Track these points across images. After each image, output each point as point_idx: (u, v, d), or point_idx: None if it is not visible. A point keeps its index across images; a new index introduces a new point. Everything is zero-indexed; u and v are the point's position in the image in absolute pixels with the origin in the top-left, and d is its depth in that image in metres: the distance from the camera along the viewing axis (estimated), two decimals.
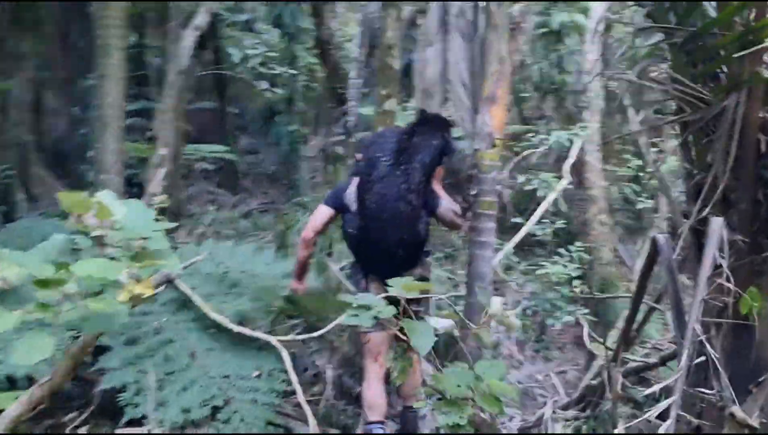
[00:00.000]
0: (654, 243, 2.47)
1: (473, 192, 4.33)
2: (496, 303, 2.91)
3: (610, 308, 6.14)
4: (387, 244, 3.37)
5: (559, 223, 6.08)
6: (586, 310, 5.35)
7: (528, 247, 7.01)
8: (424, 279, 3.49)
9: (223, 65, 11.78)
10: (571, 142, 6.40)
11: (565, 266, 5.26)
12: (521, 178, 7.05)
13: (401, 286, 2.66)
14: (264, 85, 8.04)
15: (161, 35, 8.83)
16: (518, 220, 6.60)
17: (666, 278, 2.43)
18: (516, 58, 6.70)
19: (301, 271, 3.89)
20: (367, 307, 2.52)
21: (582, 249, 5.62)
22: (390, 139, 3.49)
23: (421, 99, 4.72)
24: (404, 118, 5.22)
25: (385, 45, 4.87)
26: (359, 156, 3.77)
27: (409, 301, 2.55)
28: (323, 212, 3.61)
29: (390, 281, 2.70)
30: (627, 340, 3.47)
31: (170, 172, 6.51)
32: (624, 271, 7.76)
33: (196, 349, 3.69)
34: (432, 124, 3.61)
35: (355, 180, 3.59)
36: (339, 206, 3.59)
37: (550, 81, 7.28)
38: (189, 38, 6.48)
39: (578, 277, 5.35)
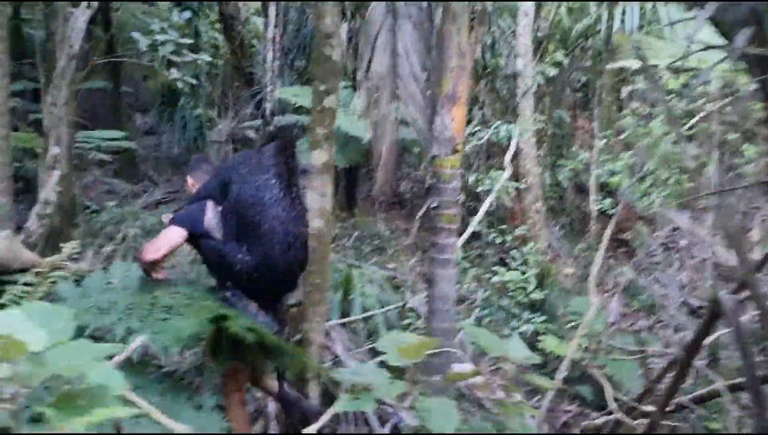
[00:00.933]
0: (717, 303, 2.07)
1: (433, 204, 3.84)
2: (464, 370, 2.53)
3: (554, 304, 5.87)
4: (292, 268, 3.39)
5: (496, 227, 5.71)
6: (543, 317, 5.03)
7: (473, 249, 6.64)
8: (300, 301, 3.68)
9: (116, 44, 10.65)
10: (511, 133, 6.03)
11: (522, 272, 4.90)
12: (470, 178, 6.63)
13: (398, 351, 2.15)
14: (174, 73, 7.13)
15: (43, 8, 7.74)
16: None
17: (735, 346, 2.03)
18: (477, 51, 6.25)
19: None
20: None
21: (533, 251, 5.28)
22: (265, 161, 3.47)
23: (365, 96, 4.14)
24: (348, 119, 4.70)
25: (322, 33, 4.24)
26: (191, 181, 3.76)
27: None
28: (178, 235, 3.35)
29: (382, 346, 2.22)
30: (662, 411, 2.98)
31: (65, 175, 5.62)
32: (559, 259, 7.57)
33: None
34: (289, 144, 3.72)
35: (210, 204, 3.45)
36: (196, 231, 3.38)
37: (483, 65, 6.86)
38: (81, 18, 5.56)
39: (537, 283, 5.01)
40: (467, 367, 2.41)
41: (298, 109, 9.49)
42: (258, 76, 11.44)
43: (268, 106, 7.43)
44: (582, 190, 9.58)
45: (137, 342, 2.60)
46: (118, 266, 3.72)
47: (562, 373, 4.96)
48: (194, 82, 7.52)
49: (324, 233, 4.49)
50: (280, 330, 3.30)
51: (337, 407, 2.12)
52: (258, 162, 3.47)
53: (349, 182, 8.97)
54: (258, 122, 9.37)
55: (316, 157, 4.41)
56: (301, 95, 8.86)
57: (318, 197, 4.44)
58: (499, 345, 2.47)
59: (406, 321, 4.90)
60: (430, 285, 3.87)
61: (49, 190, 5.41)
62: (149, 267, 3.43)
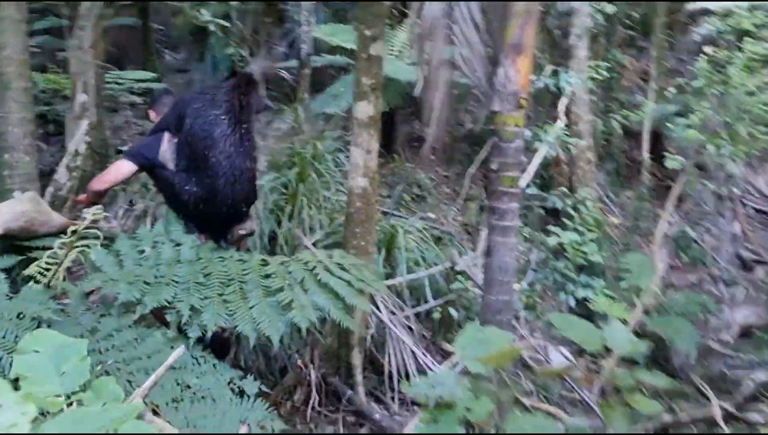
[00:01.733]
0: None
1: (493, 165, 3.44)
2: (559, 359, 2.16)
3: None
4: (236, 201, 3.41)
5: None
6: (602, 282, 4.67)
7: (526, 208, 6.23)
8: (251, 232, 3.70)
9: None
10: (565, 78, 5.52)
11: (580, 233, 4.51)
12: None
13: (481, 360, 1.83)
14: (206, 15, 6.70)
15: None
16: None
17: None
18: None
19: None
20: None
21: (592, 209, 4.86)
22: (220, 97, 3.46)
23: (418, 43, 3.70)
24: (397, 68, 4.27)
25: None
26: (153, 114, 3.85)
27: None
28: (126, 167, 3.50)
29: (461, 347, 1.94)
30: None
31: (95, 123, 5.30)
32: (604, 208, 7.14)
33: None
34: (245, 82, 3.62)
35: (166, 136, 3.55)
36: (148, 164, 3.52)
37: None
38: None
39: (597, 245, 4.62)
40: (563, 361, 2.06)
41: (334, 50, 9.02)
42: (290, 13, 10.90)
43: (303, 47, 6.96)
44: (629, 133, 9.03)
45: None
46: (145, 233, 3.41)
47: None
48: (223, 23, 7.06)
49: (369, 193, 4.14)
50: None
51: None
52: (212, 98, 3.48)
53: (388, 126, 8.54)
54: (293, 63, 8.90)
55: (362, 109, 4.02)
56: (337, 35, 8.36)
57: (362, 153, 4.07)
58: (594, 336, 2.13)
59: (455, 285, 4.58)
60: (488, 253, 3.52)
61: (78, 140, 5.11)
62: (92, 196, 3.53)
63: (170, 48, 12.91)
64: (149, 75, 9.36)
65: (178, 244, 3.37)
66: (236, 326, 2.68)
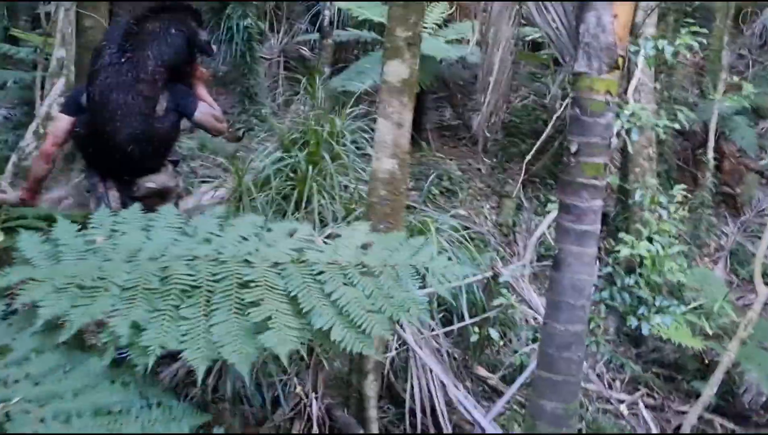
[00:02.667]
0: None
1: (571, 147, 2.48)
2: None
3: None
4: (115, 140, 2.91)
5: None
6: (684, 307, 3.69)
7: None
8: (168, 189, 3.15)
9: None
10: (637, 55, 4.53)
11: (658, 244, 3.52)
12: None
13: None
14: None
15: None
16: None
17: None
18: None
19: (35, 187, 3.23)
20: None
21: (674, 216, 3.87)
22: (120, 27, 3.04)
23: None
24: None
25: None
26: None
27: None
28: (60, 121, 3.15)
29: None
30: None
31: (71, 84, 4.41)
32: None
33: None
34: (173, 12, 3.15)
35: None
36: (76, 110, 3.11)
37: None
38: None
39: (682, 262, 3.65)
40: None
41: (361, 25, 8.07)
42: None
43: (326, 16, 6.02)
44: (682, 132, 8.01)
45: None
46: (103, 214, 2.46)
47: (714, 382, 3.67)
48: None
49: (397, 178, 3.20)
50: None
51: None
52: (111, 30, 3.18)
53: (416, 111, 7.58)
54: (313, 36, 7.96)
55: (393, 70, 3.08)
56: (364, 6, 7.42)
57: (391, 127, 3.13)
58: None
59: (497, 300, 3.62)
60: (556, 266, 2.55)
61: (50, 101, 4.22)
62: (41, 159, 3.14)
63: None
64: None
65: (147, 232, 2.44)
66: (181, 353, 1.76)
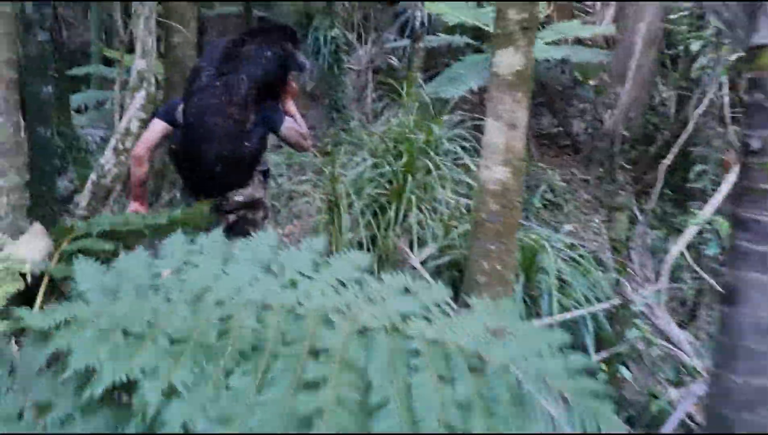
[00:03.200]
0: None
1: (754, 144, 1.89)
2: None
3: None
4: (206, 159, 2.95)
5: None
6: None
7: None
8: (256, 201, 3.14)
9: None
10: None
11: None
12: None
13: None
14: None
15: None
16: None
17: None
18: None
19: (139, 192, 3.24)
20: None
21: None
22: (218, 48, 3.08)
23: None
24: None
25: None
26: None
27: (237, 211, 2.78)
28: (155, 125, 3.14)
29: None
30: None
31: (153, 97, 4.14)
32: None
33: None
34: (270, 34, 3.19)
35: None
36: (171, 120, 3.12)
37: None
38: None
39: None
40: None
41: (453, 29, 7.60)
42: None
43: (417, 18, 5.59)
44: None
45: None
46: (179, 241, 2.03)
47: None
48: None
49: (511, 190, 2.67)
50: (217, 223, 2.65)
51: None
52: (213, 50, 3.13)
53: None
54: (403, 43, 7.55)
55: (505, 61, 2.56)
56: (457, 10, 6.95)
57: (502, 129, 2.61)
58: None
59: (631, 332, 3.00)
60: (730, 300, 1.95)
61: (131, 116, 3.96)
62: (134, 163, 3.12)
63: None
64: None
65: (225, 265, 1.98)
66: None
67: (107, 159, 3.88)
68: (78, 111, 9.64)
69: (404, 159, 3.78)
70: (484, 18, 6.89)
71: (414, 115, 4.70)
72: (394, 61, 8.86)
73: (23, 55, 5.26)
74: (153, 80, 4.11)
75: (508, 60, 2.53)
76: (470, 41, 7.15)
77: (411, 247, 3.33)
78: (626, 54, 2.40)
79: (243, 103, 2.95)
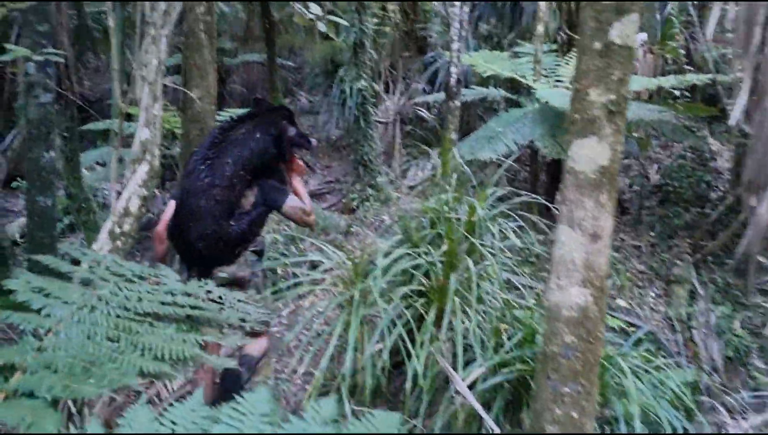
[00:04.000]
0: None
1: None
2: None
3: None
4: (190, 237, 3.04)
5: None
6: None
7: None
8: (239, 279, 3.14)
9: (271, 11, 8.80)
10: None
11: None
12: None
13: None
14: (322, 27, 5.02)
15: None
16: None
17: None
18: None
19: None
20: None
21: None
22: (210, 135, 3.22)
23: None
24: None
25: None
26: None
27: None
28: (170, 206, 3.18)
29: None
30: None
31: (156, 171, 3.61)
32: None
33: None
34: (263, 115, 3.23)
35: None
36: None
37: None
38: None
39: None
40: None
41: (486, 81, 7.06)
42: (433, 42, 9.10)
43: (453, 74, 5.05)
44: None
45: None
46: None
47: None
48: (335, 19, 5.33)
49: (591, 317, 2.05)
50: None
51: None
52: (206, 137, 3.27)
53: (554, 179, 6.40)
54: (434, 97, 7.03)
55: (585, 153, 1.98)
56: (494, 62, 6.42)
57: (580, 240, 2.01)
58: None
59: None
60: None
61: (130, 193, 3.43)
62: (156, 240, 3.20)
63: (306, 89, 11.53)
64: None
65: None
66: None
67: (101, 244, 3.34)
68: (100, 163, 9.28)
69: (443, 246, 3.17)
70: (522, 70, 6.35)
71: (450, 183, 4.12)
72: (424, 113, 8.34)
73: (24, 120, 4.83)
74: (157, 152, 3.59)
75: (589, 153, 1.94)
76: (507, 94, 6.60)
77: (455, 365, 2.70)
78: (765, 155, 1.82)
79: (228, 185, 3.02)
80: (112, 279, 1.66)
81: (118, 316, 1.51)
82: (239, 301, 2.63)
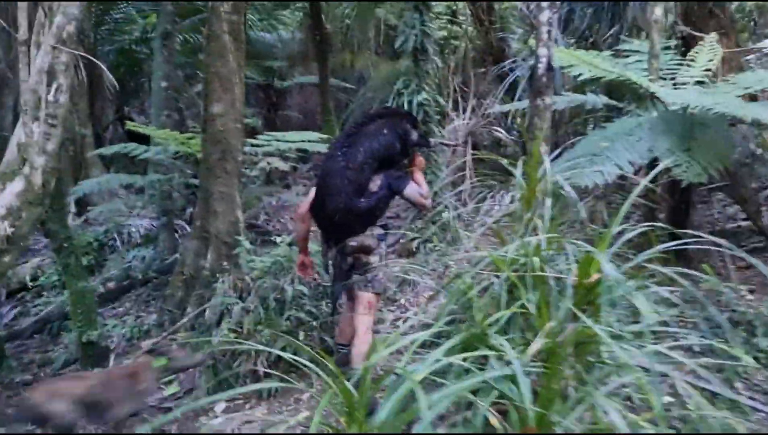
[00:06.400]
0: None
1: None
2: None
3: None
4: (326, 212, 3.58)
5: None
6: None
7: None
8: (366, 247, 3.60)
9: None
10: None
11: None
12: None
13: None
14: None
15: None
16: None
17: None
18: None
19: (303, 245, 3.96)
20: None
21: None
22: (346, 129, 3.82)
23: None
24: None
25: None
26: None
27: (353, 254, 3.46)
28: (311, 192, 3.75)
29: None
30: None
31: None
32: None
33: None
34: (390, 117, 3.78)
35: None
36: None
37: None
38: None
39: None
40: None
41: (582, 87, 5.47)
42: (512, 49, 7.58)
43: (541, 64, 3.51)
44: None
45: None
46: None
47: None
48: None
49: None
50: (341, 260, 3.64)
51: None
52: (342, 131, 3.93)
53: (679, 208, 4.68)
54: (513, 105, 5.47)
55: None
56: (589, 63, 4.82)
57: None
58: None
59: None
60: None
61: None
62: (297, 219, 3.80)
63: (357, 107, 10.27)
64: (312, 135, 6.56)
65: None
66: None
67: None
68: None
69: (536, 339, 1.61)
70: (632, 72, 4.72)
71: (541, 216, 2.57)
72: (502, 134, 6.80)
73: None
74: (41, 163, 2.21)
75: None
76: (611, 102, 4.98)
77: None
78: None
79: (359, 169, 3.49)
80: None
81: None
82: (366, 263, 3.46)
